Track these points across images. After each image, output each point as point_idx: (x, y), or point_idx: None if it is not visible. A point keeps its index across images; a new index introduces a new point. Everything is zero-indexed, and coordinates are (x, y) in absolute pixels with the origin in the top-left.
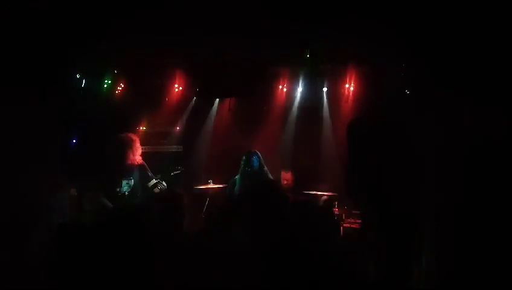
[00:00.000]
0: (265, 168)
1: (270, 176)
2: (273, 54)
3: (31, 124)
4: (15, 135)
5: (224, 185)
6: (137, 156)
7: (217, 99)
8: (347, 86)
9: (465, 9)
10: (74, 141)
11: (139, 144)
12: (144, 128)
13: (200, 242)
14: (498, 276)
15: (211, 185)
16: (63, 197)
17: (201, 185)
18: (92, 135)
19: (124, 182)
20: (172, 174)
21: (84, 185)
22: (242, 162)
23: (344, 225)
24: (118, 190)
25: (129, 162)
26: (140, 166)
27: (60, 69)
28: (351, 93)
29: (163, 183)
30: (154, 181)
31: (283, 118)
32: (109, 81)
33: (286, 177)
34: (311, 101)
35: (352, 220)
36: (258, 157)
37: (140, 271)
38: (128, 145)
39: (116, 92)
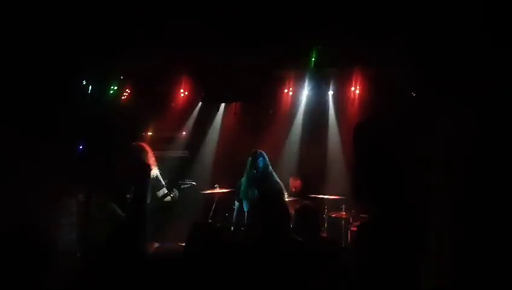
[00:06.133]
0: (271, 169)
1: (276, 178)
2: (278, 57)
3: (37, 129)
4: (21, 140)
5: (230, 190)
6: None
7: (223, 104)
8: (353, 89)
9: (469, 11)
10: (81, 147)
11: (152, 154)
12: (150, 133)
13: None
14: (506, 276)
15: (218, 190)
16: (71, 203)
17: (208, 189)
18: (99, 140)
19: None
20: (182, 187)
21: (93, 191)
22: (247, 164)
23: (352, 228)
24: (128, 196)
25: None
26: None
27: (66, 75)
28: (356, 96)
29: (176, 192)
30: (164, 191)
31: (289, 121)
32: (115, 87)
33: (295, 184)
34: (317, 104)
35: None
36: (263, 158)
37: None
38: (141, 155)
39: (123, 97)
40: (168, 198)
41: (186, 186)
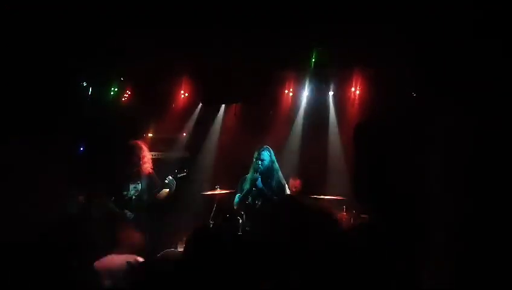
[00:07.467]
0: (277, 166)
1: (281, 174)
2: (278, 58)
3: (38, 130)
4: (21, 141)
5: (231, 191)
6: (146, 163)
7: (223, 105)
8: (353, 89)
9: (469, 11)
10: (81, 148)
11: (147, 151)
12: (151, 134)
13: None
14: (506, 276)
15: (218, 191)
16: (72, 206)
17: (208, 191)
18: (99, 142)
19: (132, 186)
20: (178, 176)
21: (93, 192)
22: (253, 158)
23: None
24: (125, 193)
25: (137, 169)
26: (149, 173)
27: (67, 77)
28: (357, 97)
29: (173, 181)
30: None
31: (289, 122)
32: (116, 89)
33: (295, 184)
34: (318, 105)
35: None
36: (269, 152)
37: None
38: (136, 152)
39: (123, 99)
40: (165, 190)
41: (182, 174)
